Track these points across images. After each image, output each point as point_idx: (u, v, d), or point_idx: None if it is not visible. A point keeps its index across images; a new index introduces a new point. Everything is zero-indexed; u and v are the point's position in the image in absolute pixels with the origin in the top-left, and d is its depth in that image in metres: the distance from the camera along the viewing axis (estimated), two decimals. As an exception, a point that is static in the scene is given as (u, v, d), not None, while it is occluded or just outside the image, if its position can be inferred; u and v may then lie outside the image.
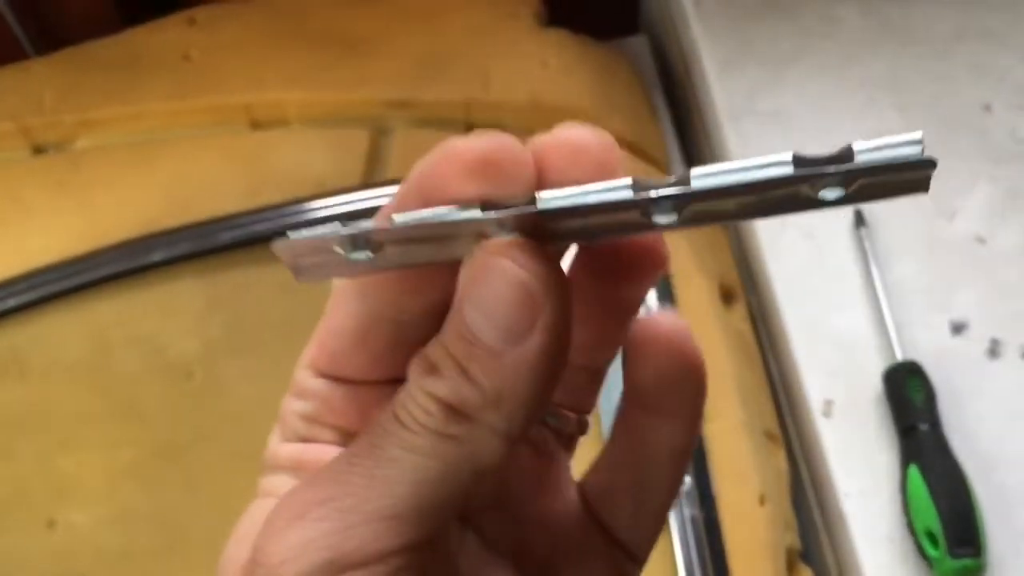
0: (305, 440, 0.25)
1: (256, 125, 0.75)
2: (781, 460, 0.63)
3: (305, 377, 0.25)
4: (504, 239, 0.21)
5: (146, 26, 0.78)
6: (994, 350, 0.63)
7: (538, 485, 0.26)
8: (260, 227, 0.70)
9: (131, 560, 0.61)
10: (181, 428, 0.65)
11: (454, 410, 0.21)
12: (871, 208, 0.69)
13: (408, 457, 0.21)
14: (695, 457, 0.59)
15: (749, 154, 0.71)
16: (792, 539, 0.60)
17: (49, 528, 0.62)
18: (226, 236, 0.69)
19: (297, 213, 0.70)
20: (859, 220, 0.68)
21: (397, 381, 0.25)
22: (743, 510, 0.58)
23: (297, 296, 0.68)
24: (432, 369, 0.22)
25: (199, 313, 0.68)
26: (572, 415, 0.27)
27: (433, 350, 0.22)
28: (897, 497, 0.59)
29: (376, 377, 0.25)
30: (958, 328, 0.64)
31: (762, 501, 0.59)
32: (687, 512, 0.57)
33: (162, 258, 0.69)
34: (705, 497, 0.58)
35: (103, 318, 0.68)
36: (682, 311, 0.64)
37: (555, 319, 0.21)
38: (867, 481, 0.60)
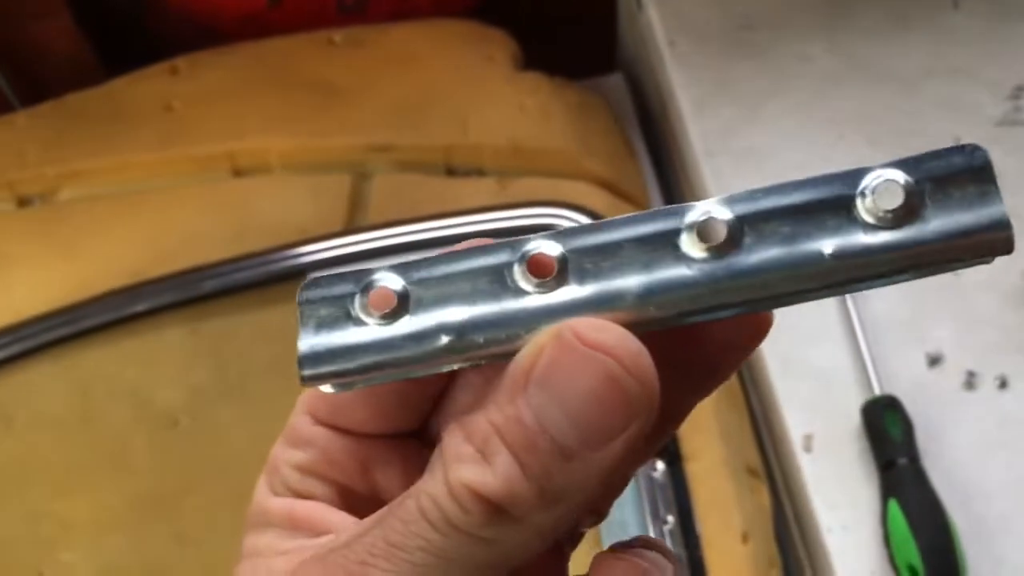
0: (298, 494, 0.23)
1: (238, 173, 0.75)
2: (764, 496, 0.64)
3: (303, 424, 0.23)
4: (599, 321, 0.18)
5: (128, 76, 0.79)
6: (970, 382, 0.64)
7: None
8: (243, 275, 0.70)
9: (119, 612, 0.61)
10: (168, 477, 0.66)
11: (499, 509, 0.18)
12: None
13: (432, 563, 0.19)
14: (678, 495, 0.60)
15: (726, 190, 0.72)
16: (776, 575, 0.61)
17: (37, 582, 0.62)
18: (210, 284, 0.70)
19: (281, 259, 0.71)
20: (835, 255, 0.69)
21: (404, 436, 0.23)
22: (727, 548, 0.59)
23: (282, 342, 0.69)
24: (474, 455, 0.18)
25: (184, 361, 0.69)
26: (588, 513, 0.24)
27: (478, 429, 0.19)
28: (879, 531, 0.59)
29: (381, 431, 0.23)
30: (934, 361, 0.65)
31: (745, 539, 0.59)
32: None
33: (146, 308, 0.69)
34: (689, 536, 0.58)
35: (88, 369, 0.69)
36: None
37: (644, 428, 0.18)
38: (849, 516, 0.61)
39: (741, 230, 0.19)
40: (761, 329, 0.21)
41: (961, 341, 0.66)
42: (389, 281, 0.20)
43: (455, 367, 0.20)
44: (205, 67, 0.79)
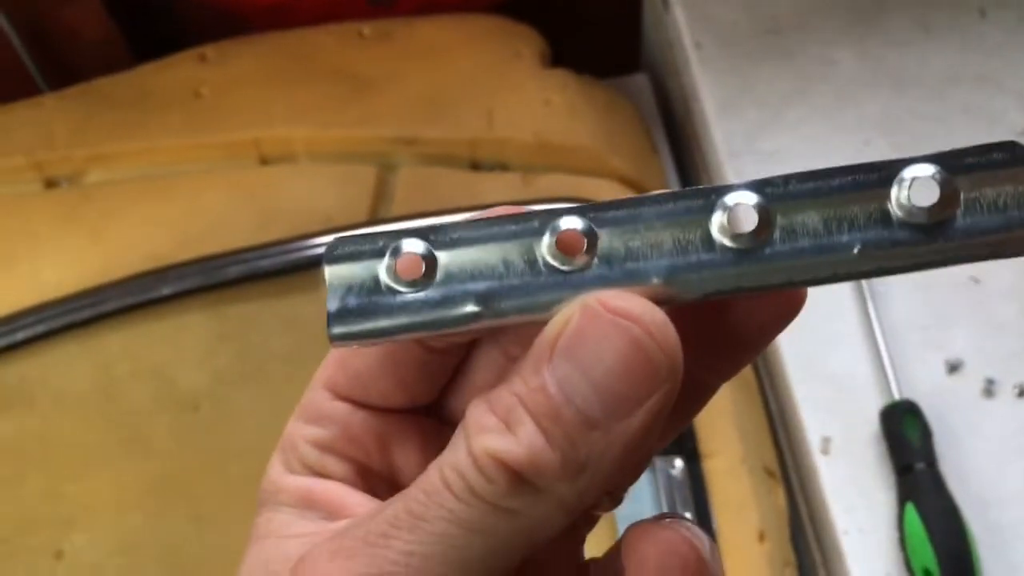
0: (315, 472, 0.22)
1: (265, 161, 0.76)
2: (780, 497, 0.64)
3: (322, 399, 0.23)
4: (624, 292, 0.19)
5: (157, 63, 0.80)
6: (989, 389, 0.64)
7: (552, 558, 0.23)
8: (267, 262, 0.71)
9: (137, 593, 0.62)
10: (188, 460, 0.66)
11: (522, 479, 0.18)
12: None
13: (455, 533, 0.18)
14: (695, 492, 0.60)
15: None
16: (791, 575, 0.61)
17: (57, 559, 0.63)
18: (234, 270, 0.70)
19: (304, 248, 0.71)
20: (856, 259, 0.70)
21: (420, 414, 0.23)
22: (743, 546, 0.59)
23: (304, 330, 0.69)
24: (498, 424, 0.19)
25: (207, 346, 0.69)
26: (606, 495, 0.23)
27: (503, 400, 0.19)
28: (895, 535, 0.60)
29: (401, 404, 0.23)
30: (954, 367, 0.65)
31: (762, 538, 0.59)
32: (688, 548, 0.58)
33: (171, 292, 0.70)
34: (705, 533, 0.59)
35: (111, 350, 0.69)
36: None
37: (668, 399, 0.19)
38: (865, 519, 0.61)
39: (772, 216, 0.19)
40: (793, 308, 0.21)
41: (981, 348, 0.66)
42: (417, 245, 0.20)
43: (483, 333, 0.21)
44: (234, 55, 0.79)
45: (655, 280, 0.19)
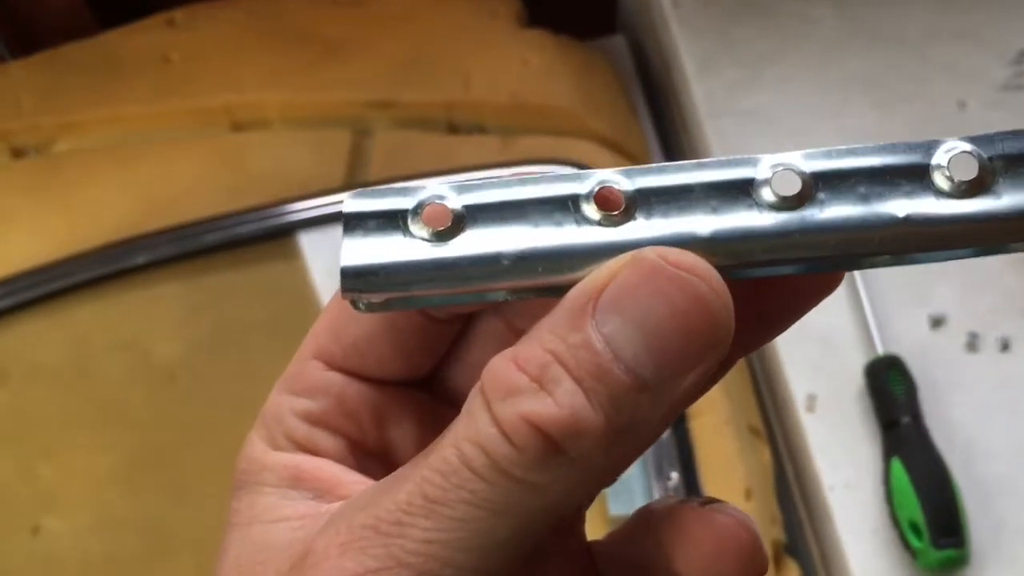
0: (303, 448, 0.21)
1: (237, 127, 0.74)
2: (766, 455, 0.64)
3: (313, 369, 0.21)
4: (682, 250, 0.17)
5: (125, 28, 0.78)
6: (972, 343, 0.64)
7: (552, 535, 0.21)
8: (242, 229, 0.69)
9: (117, 567, 0.61)
10: (165, 432, 0.65)
11: (557, 447, 0.16)
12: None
13: (478, 516, 0.17)
14: (681, 452, 0.60)
15: (729, 151, 0.71)
16: (778, 533, 0.61)
17: (34, 535, 0.61)
18: (208, 238, 0.69)
19: (280, 214, 0.70)
20: (839, 217, 0.69)
21: (415, 387, 0.22)
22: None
23: (282, 298, 0.68)
24: (530, 385, 0.17)
25: (182, 316, 0.68)
26: None
27: (535, 356, 0.17)
28: (880, 490, 0.60)
29: (399, 375, 0.21)
30: (937, 322, 0.65)
31: (748, 495, 0.59)
32: (675, 508, 0.58)
33: (144, 261, 0.68)
34: (692, 492, 0.58)
35: (84, 322, 0.68)
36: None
37: (715, 365, 0.17)
38: (851, 474, 0.61)
39: (816, 185, 0.19)
40: (831, 283, 0.20)
41: (964, 303, 0.66)
42: (447, 198, 0.19)
43: (503, 298, 0.19)
44: (203, 19, 0.77)
45: (699, 243, 0.18)
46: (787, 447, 0.67)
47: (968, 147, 0.19)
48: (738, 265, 0.18)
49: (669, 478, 0.59)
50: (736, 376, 0.66)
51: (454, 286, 0.19)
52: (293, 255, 0.70)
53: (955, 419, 0.62)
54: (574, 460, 0.17)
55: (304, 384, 0.21)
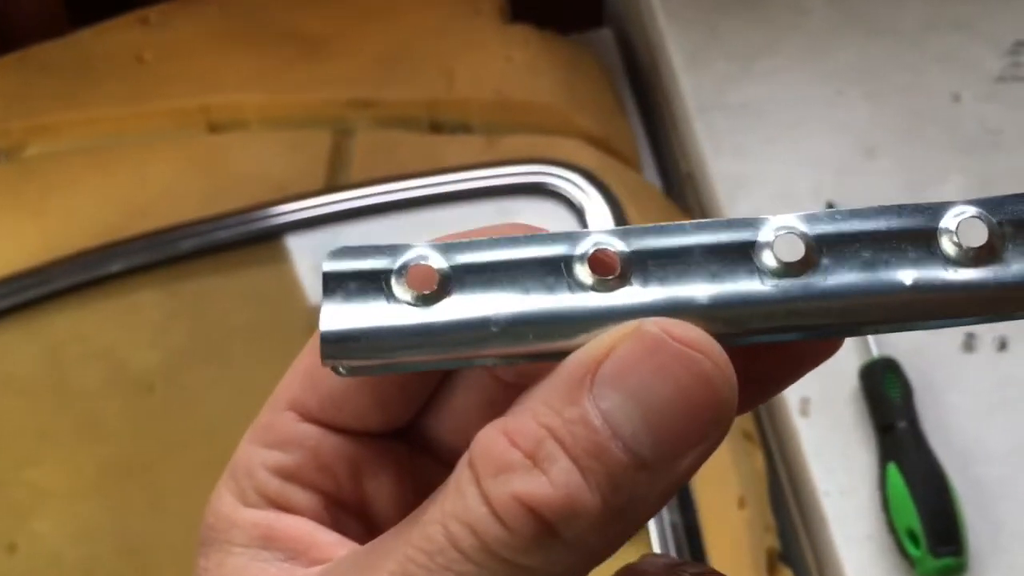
0: (276, 505, 0.20)
1: (214, 128, 0.72)
2: (759, 461, 0.62)
3: (286, 422, 0.20)
4: (682, 321, 0.17)
5: (97, 27, 0.76)
6: (969, 343, 0.63)
7: None
8: (221, 234, 0.68)
9: (94, 580, 0.59)
10: (144, 443, 0.63)
11: (550, 529, 0.16)
12: (843, 202, 0.68)
13: None
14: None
15: (719, 147, 0.69)
16: (772, 540, 0.60)
17: (10, 552, 0.60)
18: (186, 244, 0.67)
19: (260, 218, 0.68)
20: (831, 214, 0.68)
21: (392, 438, 0.21)
22: (723, 513, 0.57)
23: (262, 304, 0.67)
24: (524, 462, 0.16)
25: (159, 324, 0.66)
26: None
27: (528, 431, 0.16)
28: (876, 495, 0.58)
29: (377, 427, 0.20)
30: (933, 322, 0.64)
31: (741, 504, 0.58)
32: (667, 518, 0.56)
33: (120, 268, 0.67)
34: (685, 502, 0.57)
35: (59, 332, 0.66)
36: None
37: (717, 444, 0.17)
38: (846, 480, 0.60)
39: (819, 250, 0.18)
40: (831, 347, 0.20)
41: (960, 302, 0.64)
42: (432, 259, 0.18)
43: (492, 363, 0.18)
44: (177, 17, 0.75)
45: (698, 310, 0.18)
46: (781, 452, 0.65)
47: (977, 211, 0.18)
48: (738, 333, 0.18)
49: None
50: (728, 379, 0.65)
51: (440, 352, 0.18)
52: (278, 259, 0.68)
53: (952, 421, 0.60)
54: (567, 542, 0.16)
55: (277, 436, 0.20)
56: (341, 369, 0.18)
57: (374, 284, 0.18)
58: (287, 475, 0.20)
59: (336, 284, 0.18)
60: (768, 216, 0.18)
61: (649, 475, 0.16)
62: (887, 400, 0.59)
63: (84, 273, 0.67)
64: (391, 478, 0.20)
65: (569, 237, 0.18)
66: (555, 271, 0.18)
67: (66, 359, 0.65)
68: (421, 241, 0.18)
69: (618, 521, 0.16)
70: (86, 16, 0.78)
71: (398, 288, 0.18)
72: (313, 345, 0.20)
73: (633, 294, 0.18)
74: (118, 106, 0.72)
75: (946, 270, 0.18)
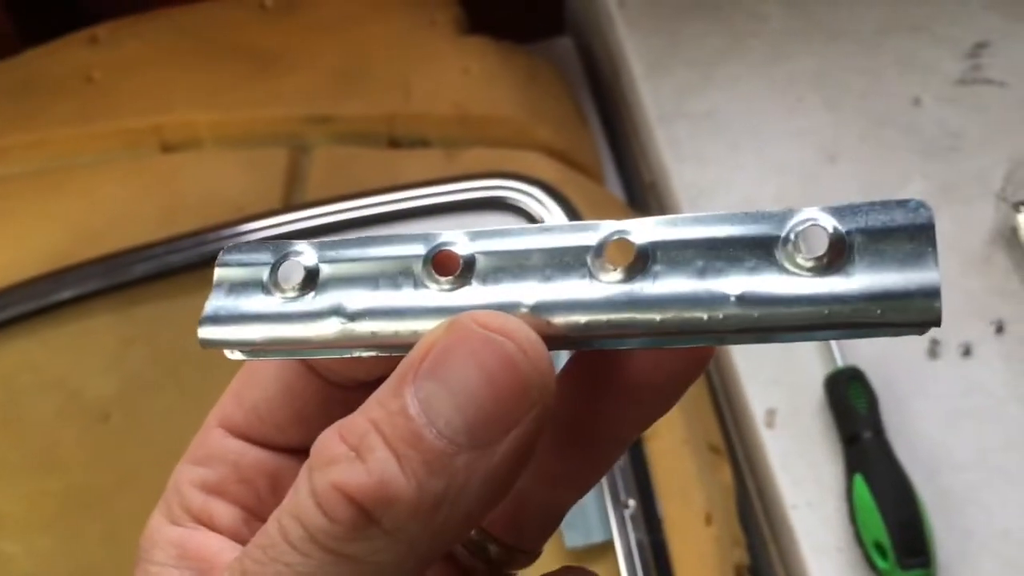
0: (199, 520, 0.21)
1: (167, 148, 0.71)
2: (727, 474, 0.62)
3: (214, 438, 0.21)
4: (497, 312, 0.17)
5: (44, 47, 0.74)
6: (934, 350, 0.63)
7: None
8: (176, 257, 0.66)
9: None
10: (100, 474, 0.62)
11: (369, 517, 0.16)
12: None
13: None
14: (639, 479, 0.57)
15: (681, 155, 0.68)
16: (740, 555, 0.59)
17: (-39, 590, 0.58)
18: (140, 268, 0.66)
19: (215, 240, 0.67)
20: (794, 222, 0.67)
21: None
22: (689, 530, 0.56)
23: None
24: (347, 454, 0.16)
25: (113, 351, 0.65)
26: (519, 551, 0.21)
27: (356, 427, 0.17)
28: (844, 507, 0.58)
29: (298, 442, 0.21)
30: (897, 329, 0.63)
31: (708, 520, 0.57)
32: (633, 536, 0.55)
33: (72, 295, 0.65)
34: (651, 520, 0.56)
35: (11, 362, 0.64)
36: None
37: (536, 428, 0.17)
38: (813, 492, 0.59)
39: (652, 256, 0.18)
40: (696, 365, 0.19)
41: (924, 308, 0.64)
42: (305, 256, 0.20)
43: (353, 354, 0.19)
44: (127, 35, 0.74)
45: (525, 311, 0.18)
46: (748, 465, 0.65)
47: (820, 219, 0.17)
48: (570, 336, 0.18)
49: (627, 506, 0.56)
50: (695, 392, 0.64)
51: (299, 343, 0.19)
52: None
53: (918, 430, 0.60)
54: (389, 531, 0.16)
55: (203, 452, 0.21)
56: (229, 354, 0.20)
57: (255, 278, 0.20)
58: (209, 489, 0.21)
59: (224, 276, 0.20)
60: (609, 221, 0.18)
61: (466, 459, 0.16)
62: (852, 411, 0.59)
63: (35, 301, 0.65)
64: None
65: (424, 238, 0.19)
66: (405, 270, 0.19)
67: (19, 389, 0.64)
68: (303, 240, 0.20)
69: (440, 509, 0.16)
70: (36, 35, 0.76)
71: (272, 282, 0.20)
72: (245, 365, 0.21)
73: (471, 293, 0.18)
74: (68, 127, 0.70)
75: (780, 280, 0.17)
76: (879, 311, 0.16)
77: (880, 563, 0.54)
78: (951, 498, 0.58)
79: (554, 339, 0.17)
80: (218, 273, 0.20)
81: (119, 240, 0.66)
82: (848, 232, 0.17)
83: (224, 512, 0.21)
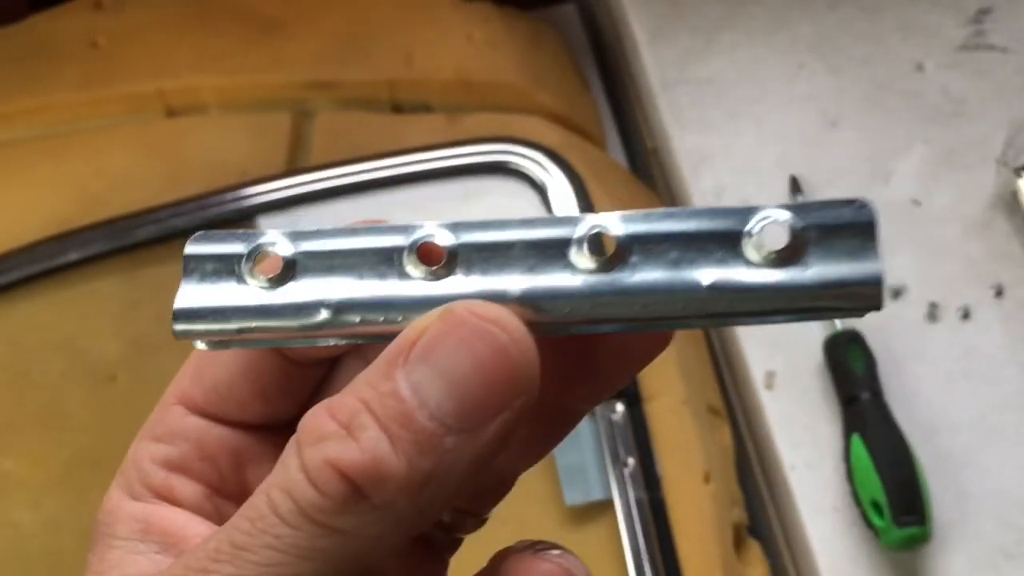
0: (160, 496, 0.21)
1: (171, 113, 0.71)
2: (726, 435, 0.62)
3: (174, 416, 0.21)
4: (488, 302, 0.18)
5: (49, 12, 0.74)
6: (933, 313, 0.63)
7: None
8: (180, 221, 0.67)
9: (59, 568, 0.59)
10: (108, 434, 0.62)
11: (359, 492, 0.17)
12: (807, 175, 0.68)
13: (282, 561, 0.17)
14: (638, 436, 0.58)
15: (684, 122, 0.68)
16: (739, 514, 0.60)
17: (-29, 546, 0.59)
18: (145, 232, 0.66)
19: (220, 203, 0.67)
20: (795, 187, 0.67)
21: (279, 431, 0.22)
22: (689, 489, 0.57)
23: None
24: (338, 431, 0.17)
25: (120, 313, 0.65)
26: (470, 516, 0.23)
27: (346, 406, 0.17)
28: (842, 468, 0.58)
29: (260, 419, 0.21)
30: (896, 293, 0.64)
31: (707, 479, 0.58)
32: (632, 494, 0.56)
33: (78, 258, 0.66)
34: (650, 478, 0.57)
35: (18, 323, 0.65)
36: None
37: (521, 413, 0.18)
38: (811, 453, 0.60)
39: (630, 248, 0.19)
40: (657, 344, 0.21)
41: (923, 272, 0.64)
42: (280, 246, 0.20)
43: (332, 343, 0.20)
44: (131, 0, 0.74)
45: (510, 300, 0.19)
46: (748, 426, 0.65)
47: (781, 216, 0.19)
48: (550, 323, 0.19)
49: (626, 464, 0.57)
50: (694, 354, 0.65)
51: (280, 332, 0.19)
52: (235, 245, 0.67)
53: (916, 392, 0.60)
54: (377, 506, 0.17)
55: (164, 429, 0.21)
56: (201, 344, 0.20)
57: (227, 267, 0.20)
58: (172, 466, 0.21)
59: (195, 265, 0.20)
60: (587, 215, 0.20)
61: (455, 441, 0.17)
62: (851, 372, 0.59)
63: (41, 263, 0.66)
64: (272, 467, 0.21)
65: (404, 229, 0.20)
66: (387, 260, 0.19)
67: (25, 351, 0.65)
68: (277, 229, 0.20)
69: (427, 486, 0.17)
70: (44, 1, 0.76)
71: (246, 271, 0.20)
72: None
73: (456, 283, 0.19)
74: (72, 92, 0.71)
75: (747, 270, 0.19)
76: (832, 298, 0.19)
77: (877, 521, 0.55)
78: (948, 459, 0.58)
79: (538, 326, 0.19)
80: (188, 263, 0.20)
81: (124, 204, 0.67)
82: (804, 228, 0.19)
83: (186, 488, 0.21)
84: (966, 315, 0.63)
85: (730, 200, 0.68)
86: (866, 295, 0.19)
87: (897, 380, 0.60)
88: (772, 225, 0.19)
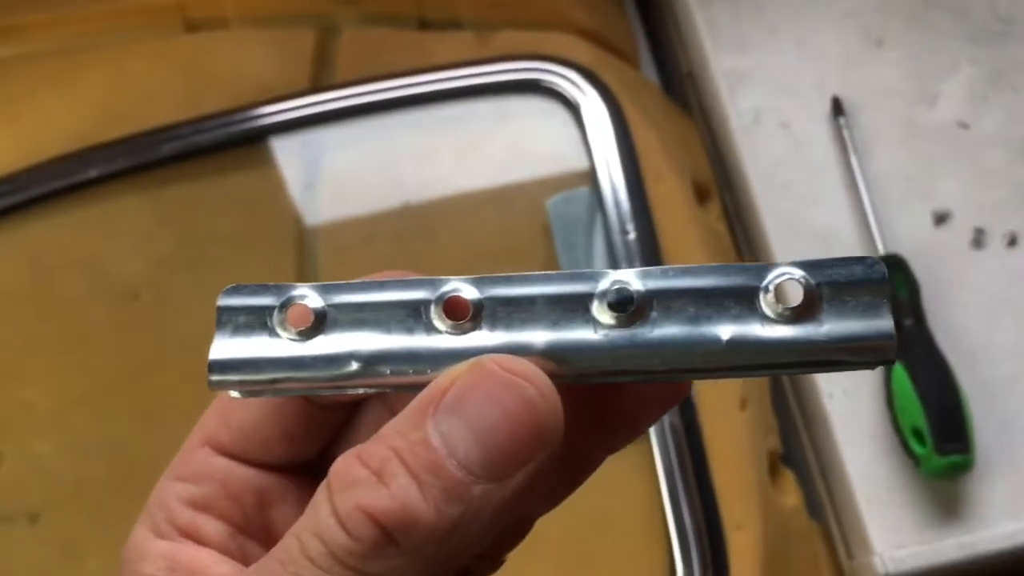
0: (186, 534, 0.21)
1: (191, 27, 0.69)
2: (761, 362, 0.61)
3: (201, 456, 0.22)
4: (514, 356, 0.19)
5: (65, -79, 0.72)
6: (978, 240, 0.61)
7: None
8: (202, 138, 0.65)
9: (84, 492, 0.58)
10: (131, 353, 0.62)
11: (390, 537, 0.17)
12: (850, 96, 0.65)
13: None
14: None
15: (720, 41, 0.65)
16: (774, 442, 0.58)
17: (-4, 463, 0.59)
18: (167, 148, 0.65)
19: (244, 120, 0.66)
20: (837, 109, 0.65)
21: (302, 472, 0.22)
22: (724, 415, 0.56)
23: (249, 208, 0.64)
24: (369, 477, 0.18)
25: (143, 231, 0.64)
26: (487, 559, 0.23)
27: (377, 453, 0.18)
28: (879, 396, 0.57)
29: (283, 459, 0.22)
30: (941, 218, 0.62)
31: (743, 405, 0.56)
32: (667, 419, 0.55)
33: (99, 174, 0.64)
34: (685, 403, 0.56)
35: (39, 241, 0.64)
36: (654, 211, 0.61)
37: (544, 464, 0.18)
38: (849, 381, 0.58)
39: (650, 304, 0.20)
40: (676, 394, 0.21)
41: (969, 197, 0.62)
42: (310, 299, 0.21)
43: (360, 392, 0.21)
44: (150, -91, 0.71)
45: (534, 354, 0.20)
46: (783, 353, 0.64)
47: (796, 274, 0.20)
48: (574, 375, 0.20)
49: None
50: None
51: (311, 382, 0.20)
52: (262, 162, 0.65)
53: (960, 319, 0.59)
54: (406, 552, 0.17)
55: (189, 469, 0.22)
56: (235, 393, 0.21)
57: (259, 319, 0.21)
58: (197, 505, 0.21)
59: (228, 318, 0.21)
60: (608, 271, 0.20)
61: (482, 489, 0.18)
62: (894, 298, 0.58)
63: (61, 179, 0.64)
64: (297, 508, 0.22)
65: (430, 284, 0.20)
66: (415, 314, 0.20)
67: (47, 268, 0.63)
68: (305, 284, 0.21)
69: (454, 534, 0.17)
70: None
71: (279, 323, 0.21)
72: None
73: (481, 337, 0.20)
74: (91, 5, 0.68)
75: (763, 327, 0.20)
76: (845, 352, 0.20)
77: (918, 449, 0.54)
78: (991, 387, 0.57)
79: (560, 378, 0.19)
80: (221, 316, 0.21)
81: (144, 120, 0.65)
82: (818, 284, 0.20)
83: (211, 527, 0.21)
84: (1012, 242, 0.61)
85: (769, 121, 0.66)
86: (879, 349, 0.20)
87: (941, 307, 0.58)
88: (787, 282, 0.20)
